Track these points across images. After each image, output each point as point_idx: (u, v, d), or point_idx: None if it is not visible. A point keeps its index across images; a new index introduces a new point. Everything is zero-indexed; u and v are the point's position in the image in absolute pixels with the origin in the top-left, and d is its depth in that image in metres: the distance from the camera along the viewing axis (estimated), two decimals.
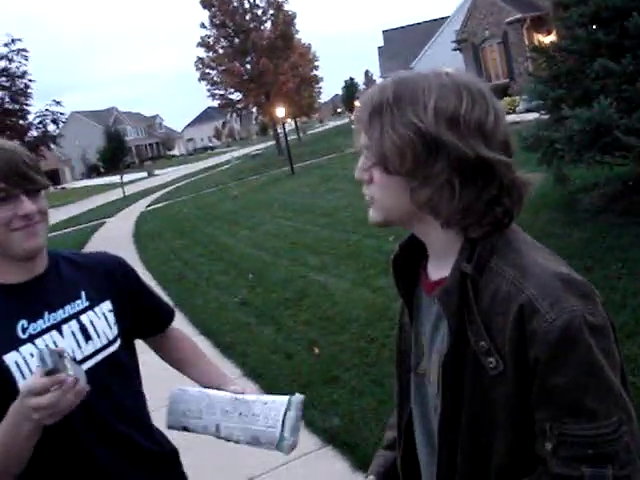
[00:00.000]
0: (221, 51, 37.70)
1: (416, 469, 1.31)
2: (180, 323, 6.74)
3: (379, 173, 1.08)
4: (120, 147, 40.26)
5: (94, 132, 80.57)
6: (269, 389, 4.56)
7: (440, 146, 1.00)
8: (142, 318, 1.72)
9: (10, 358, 1.38)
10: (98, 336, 1.52)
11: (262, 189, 19.78)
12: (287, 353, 5.30)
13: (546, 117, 6.71)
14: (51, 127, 16.47)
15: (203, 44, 37.66)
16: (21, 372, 1.38)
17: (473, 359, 1.05)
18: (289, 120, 46.78)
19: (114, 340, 1.56)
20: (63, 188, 29.80)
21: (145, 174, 52.76)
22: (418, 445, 1.29)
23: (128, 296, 1.66)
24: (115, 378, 1.54)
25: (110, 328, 1.56)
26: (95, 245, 14.44)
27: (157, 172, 53.27)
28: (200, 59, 37.93)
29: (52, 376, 1.17)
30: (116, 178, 39.43)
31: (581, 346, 0.95)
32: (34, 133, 16.21)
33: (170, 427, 1.56)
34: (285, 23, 37.16)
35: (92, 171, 77.18)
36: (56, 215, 24.05)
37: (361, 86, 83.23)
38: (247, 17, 37.25)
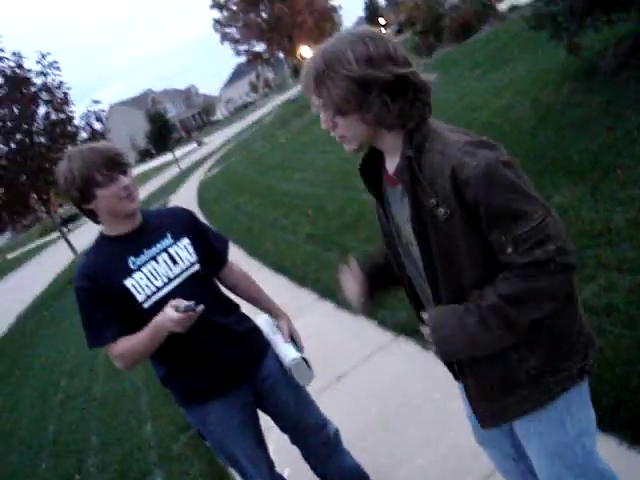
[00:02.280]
0: (234, 7, 37.55)
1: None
2: (257, 267, 7.45)
3: (340, 118, 1.53)
4: (164, 126, 40.98)
5: (137, 118, 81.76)
6: (343, 303, 5.16)
7: (369, 80, 1.44)
8: (210, 247, 2.45)
9: (128, 282, 2.16)
10: (182, 261, 2.27)
11: (307, 130, 20.12)
12: None
13: None
14: (97, 125, 17.30)
15: (215, 5, 37.57)
16: (137, 290, 2.16)
17: (429, 213, 1.49)
18: None
19: (195, 263, 2.30)
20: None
21: (195, 145, 53.70)
22: (419, 292, 1.79)
23: (198, 233, 2.41)
24: (200, 287, 2.28)
25: (190, 255, 2.30)
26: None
27: (206, 140, 54.10)
28: (217, 21, 37.93)
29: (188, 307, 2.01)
30: (169, 156, 40.35)
31: (501, 174, 1.41)
32: (84, 135, 17.07)
33: None
34: None
35: (145, 155, 78.77)
36: None
37: (382, 1, 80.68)
38: None
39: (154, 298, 2.16)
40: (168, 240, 2.28)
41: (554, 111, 6.81)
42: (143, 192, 31.62)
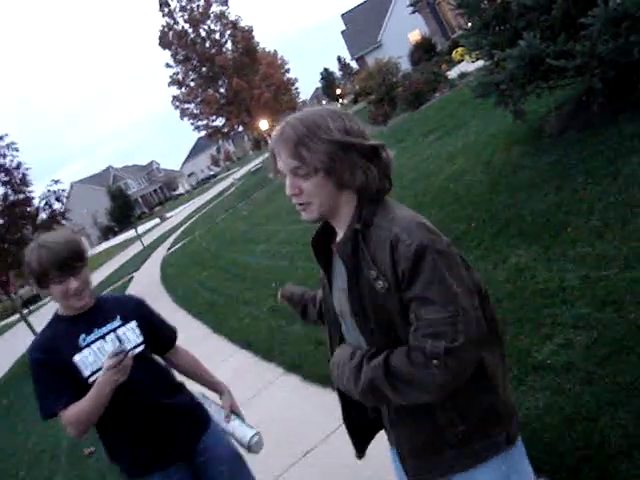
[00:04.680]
0: (192, 84, 38.30)
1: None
2: (222, 343, 7.36)
3: (308, 182, 1.58)
4: (126, 202, 41.12)
5: (98, 195, 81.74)
6: (309, 376, 5.16)
7: (348, 145, 1.54)
8: (156, 335, 2.65)
9: (77, 357, 2.34)
10: (128, 342, 2.46)
11: (269, 201, 20.35)
12: (317, 341, 5.76)
13: (487, 63, 7.16)
14: (57, 205, 17.18)
15: (174, 82, 38.28)
16: (84, 365, 2.34)
17: (368, 285, 1.55)
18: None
19: (140, 344, 2.50)
20: None
21: (158, 220, 53.64)
22: None
23: (146, 319, 2.62)
24: (143, 367, 2.44)
25: (137, 337, 2.50)
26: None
27: (168, 215, 54.12)
28: (175, 97, 38.57)
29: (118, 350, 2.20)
30: (132, 232, 40.18)
31: (428, 259, 1.46)
32: (43, 215, 16.92)
33: None
34: (244, 39, 37.59)
35: (107, 233, 78.35)
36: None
37: (337, 73, 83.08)
38: (207, 44, 37.75)
39: (99, 374, 2.26)
40: (117, 322, 2.48)
41: (505, 174, 7.02)
42: (107, 269, 31.34)
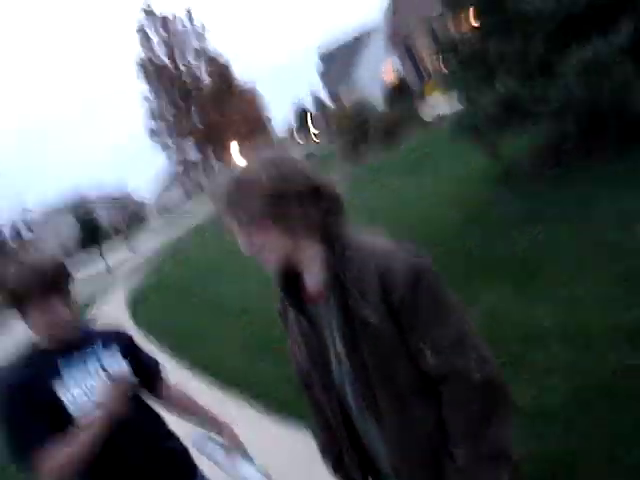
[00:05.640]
0: (170, 118, 38.46)
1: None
2: (193, 377, 7.18)
3: (259, 236, 1.54)
4: (97, 232, 40.63)
5: (67, 224, 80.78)
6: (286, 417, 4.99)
7: (282, 193, 1.48)
8: (142, 367, 2.37)
9: (59, 391, 2.04)
10: (116, 372, 2.17)
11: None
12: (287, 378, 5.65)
13: (464, 105, 7.27)
14: (27, 234, 16.90)
15: (152, 116, 38.38)
16: (68, 399, 2.04)
17: (360, 322, 1.47)
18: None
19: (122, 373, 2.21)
20: None
21: (128, 253, 52.95)
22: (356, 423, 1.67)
23: (130, 350, 2.36)
24: (136, 400, 2.22)
25: (123, 367, 2.23)
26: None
27: (139, 247, 53.45)
28: (152, 130, 38.62)
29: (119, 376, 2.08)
30: (101, 264, 39.57)
31: (426, 280, 1.44)
32: (12, 245, 16.61)
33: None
34: (222, 77, 37.96)
35: (75, 262, 77.05)
36: None
37: (314, 111, 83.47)
38: (185, 79, 38.05)
39: (81, 407, 2.04)
40: (100, 352, 2.22)
41: (479, 213, 7.07)
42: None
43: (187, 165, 40.70)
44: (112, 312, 18.09)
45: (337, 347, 1.59)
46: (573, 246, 5.05)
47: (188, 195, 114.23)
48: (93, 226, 40.37)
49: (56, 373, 2.07)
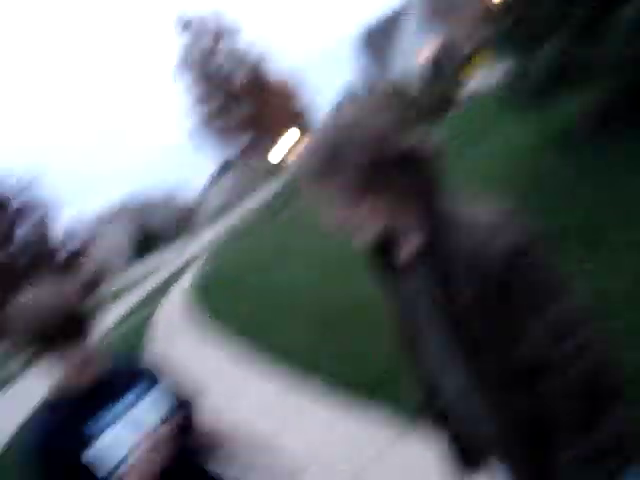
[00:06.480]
0: (209, 115, 38.87)
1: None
2: (260, 364, 7.24)
3: (353, 207, 1.43)
4: (148, 234, 41.46)
5: (119, 229, 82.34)
6: (353, 393, 5.01)
7: (378, 159, 1.37)
8: (179, 406, 2.14)
9: (88, 454, 1.81)
10: (149, 422, 1.96)
11: (294, 222, 20.40)
12: (359, 355, 5.63)
13: (512, 69, 7.07)
14: (78, 242, 17.17)
15: (194, 112, 38.81)
16: (99, 462, 1.81)
17: (450, 298, 1.37)
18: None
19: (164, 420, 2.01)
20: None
21: (181, 249, 53.74)
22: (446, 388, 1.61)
23: (167, 388, 2.13)
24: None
25: (160, 412, 2.01)
26: (161, 325, 15.09)
27: (192, 243, 54.18)
28: (193, 128, 39.07)
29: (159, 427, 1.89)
30: (155, 262, 40.29)
31: (526, 261, 1.31)
32: (64, 254, 16.84)
33: None
34: (255, 70, 38.16)
35: (130, 264, 78.51)
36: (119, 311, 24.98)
37: (358, 94, 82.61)
38: (225, 74, 38.38)
39: (116, 469, 1.81)
40: (133, 399, 1.97)
41: (534, 182, 6.91)
42: (131, 299, 31.21)
43: (233, 157, 41.04)
44: (176, 300, 18.45)
45: (426, 321, 1.53)
46: (637, 211, 4.89)
47: (236, 187, 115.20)
48: (146, 228, 41.11)
49: (82, 429, 1.83)
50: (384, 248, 1.61)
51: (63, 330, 1.79)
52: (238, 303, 12.46)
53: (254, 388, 6.57)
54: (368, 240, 1.52)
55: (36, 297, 1.83)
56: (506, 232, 1.33)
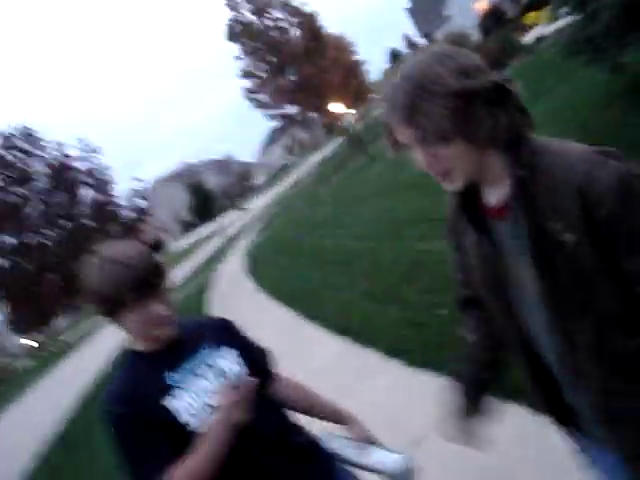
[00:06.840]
0: (263, 75, 38.66)
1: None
2: (316, 330, 7.25)
3: (442, 148, 1.31)
4: (206, 197, 41.94)
5: (177, 192, 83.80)
6: (414, 361, 4.92)
7: (469, 92, 1.25)
8: (253, 361, 2.09)
9: (168, 402, 1.81)
10: (226, 373, 1.95)
11: (347, 185, 20.20)
12: (417, 324, 5.56)
13: (578, 18, 6.70)
14: (141, 203, 17.67)
15: (245, 74, 38.70)
16: (179, 410, 1.81)
17: (553, 242, 1.28)
18: (350, 111, 46.82)
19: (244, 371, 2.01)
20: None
21: (237, 212, 54.43)
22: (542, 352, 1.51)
23: (240, 344, 2.11)
24: (259, 402, 1.93)
25: (237, 365, 2.00)
26: (219, 290, 15.31)
27: (248, 206, 54.79)
28: (247, 89, 39.00)
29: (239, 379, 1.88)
30: (213, 225, 40.89)
31: (637, 188, 1.22)
32: (128, 213, 17.44)
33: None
34: (309, 25, 37.62)
35: (189, 228, 79.93)
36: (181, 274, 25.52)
37: (405, 52, 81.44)
38: (273, 34, 37.98)
39: (198, 417, 1.82)
40: (208, 350, 1.99)
41: (605, 136, 6.56)
42: (190, 263, 31.90)
43: (286, 120, 40.91)
44: (228, 270, 18.71)
45: (523, 271, 1.40)
46: None
47: (290, 151, 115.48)
48: (202, 191, 41.64)
49: (161, 381, 1.85)
50: (470, 196, 1.48)
51: (148, 281, 1.79)
52: (297, 261, 12.50)
53: (317, 349, 6.56)
54: (458, 185, 1.40)
55: (119, 250, 1.84)
56: (609, 163, 1.24)
